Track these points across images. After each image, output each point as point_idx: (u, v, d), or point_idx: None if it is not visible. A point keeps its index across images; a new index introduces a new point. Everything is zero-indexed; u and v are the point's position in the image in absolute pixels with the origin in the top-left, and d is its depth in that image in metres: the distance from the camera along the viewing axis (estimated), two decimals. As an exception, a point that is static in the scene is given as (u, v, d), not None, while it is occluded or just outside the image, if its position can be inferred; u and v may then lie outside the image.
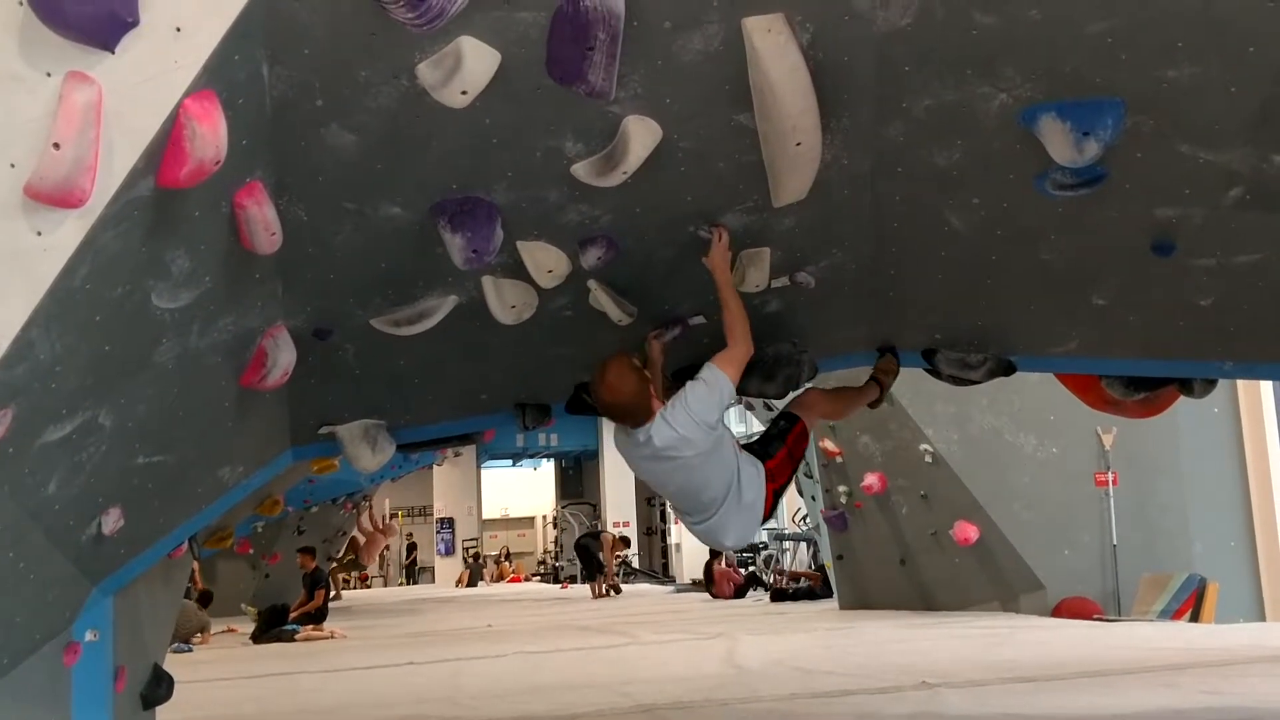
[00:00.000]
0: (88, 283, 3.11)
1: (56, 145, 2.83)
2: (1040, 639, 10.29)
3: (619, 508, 34.79)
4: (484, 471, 41.24)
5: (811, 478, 15.51)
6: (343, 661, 11.86)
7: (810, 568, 20.07)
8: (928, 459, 13.07)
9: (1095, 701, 6.73)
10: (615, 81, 3.61)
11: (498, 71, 3.52)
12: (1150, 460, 12.91)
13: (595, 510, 37.02)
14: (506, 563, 39.85)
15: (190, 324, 3.81)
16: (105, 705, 4.95)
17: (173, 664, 6.31)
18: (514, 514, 44.53)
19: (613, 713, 7.25)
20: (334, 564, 25.77)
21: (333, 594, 20.20)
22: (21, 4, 2.80)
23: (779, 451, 5.30)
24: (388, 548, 36.61)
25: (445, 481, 38.96)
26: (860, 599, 15.00)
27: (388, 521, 31.11)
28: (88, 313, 3.23)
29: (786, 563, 22.36)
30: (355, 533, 26.65)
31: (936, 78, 3.92)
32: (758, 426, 20.48)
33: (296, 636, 15.83)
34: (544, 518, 43.97)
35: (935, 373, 5.81)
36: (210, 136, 3.06)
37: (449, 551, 39.36)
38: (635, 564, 32.98)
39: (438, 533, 39.57)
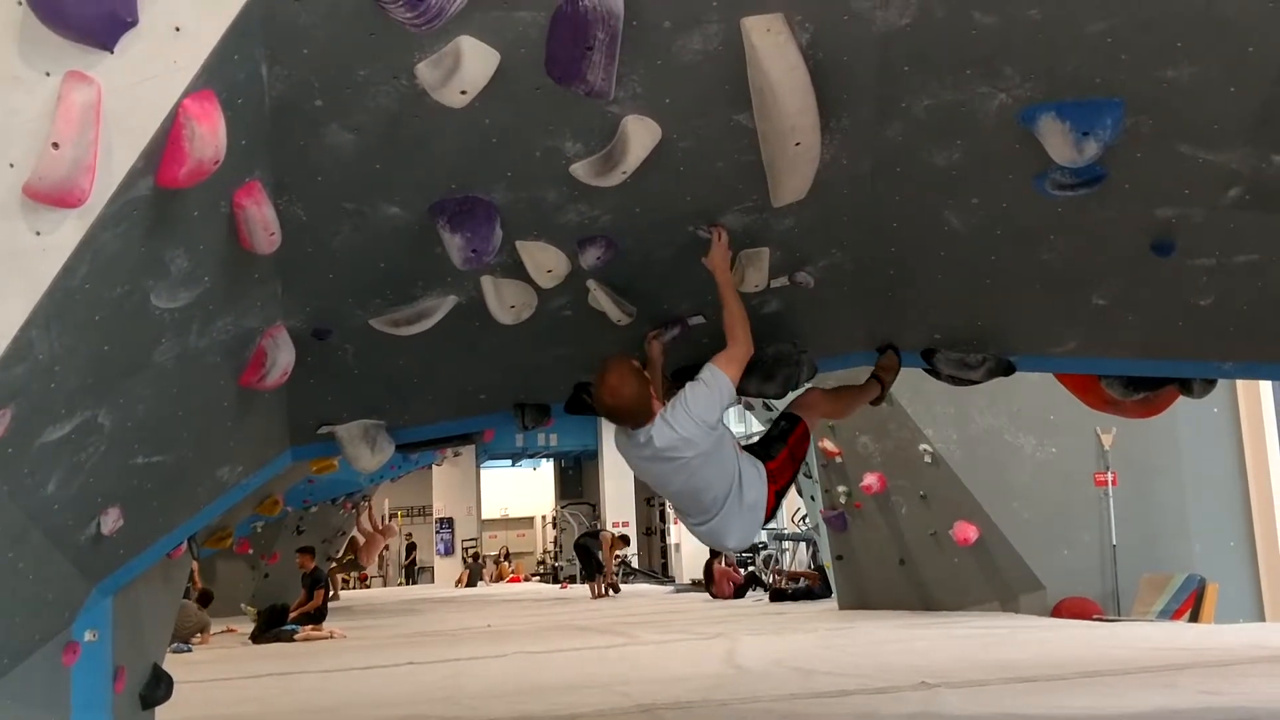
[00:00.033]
0: (87, 282, 3.11)
1: (55, 145, 2.83)
2: (1040, 639, 10.28)
3: (618, 508, 34.79)
4: (483, 471, 41.25)
5: (811, 478, 15.51)
6: (342, 661, 11.86)
7: (810, 568, 20.07)
8: (927, 459, 13.06)
9: (1095, 702, 6.73)
10: (614, 81, 3.61)
11: (497, 71, 3.52)
12: (1150, 460, 12.91)
13: (595, 510, 37.02)
14: (506, 563, 39.85)
15: (189, 324, 3.81)
16: (105, 705, 4.95)
17: (172, 664, 6.31)
18: (513, 514, 44.54)
19: (612, 713, 7.25)
20: (333, 564, 25.77)
21: (330, 594, 20.16)
22: (20, 4, 2.79)
23: (780, 453, 5.29)
24: (387, 548, 36.61)
25: (445, 481, 38.97)
26: (860, 599, 15.00)
27: (387, 522, 31.09)
28: (87, 312, 3.23)
29: (786, 563, 22.37)
30: (355, 533, 26.64)
31: (936, 77, 3.92)
32: (757, 426, 20.52)
33: (296, 636, 15.82)
34: (543, 518, 43.96)
35: (935, 373, 5.81)
36: (209, 136, 3.06)
37: (448, 551, 39.37)
38: (635, 564, 32.99)
39: (437, 533, 39.59)
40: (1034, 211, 4.55)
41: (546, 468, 43.93)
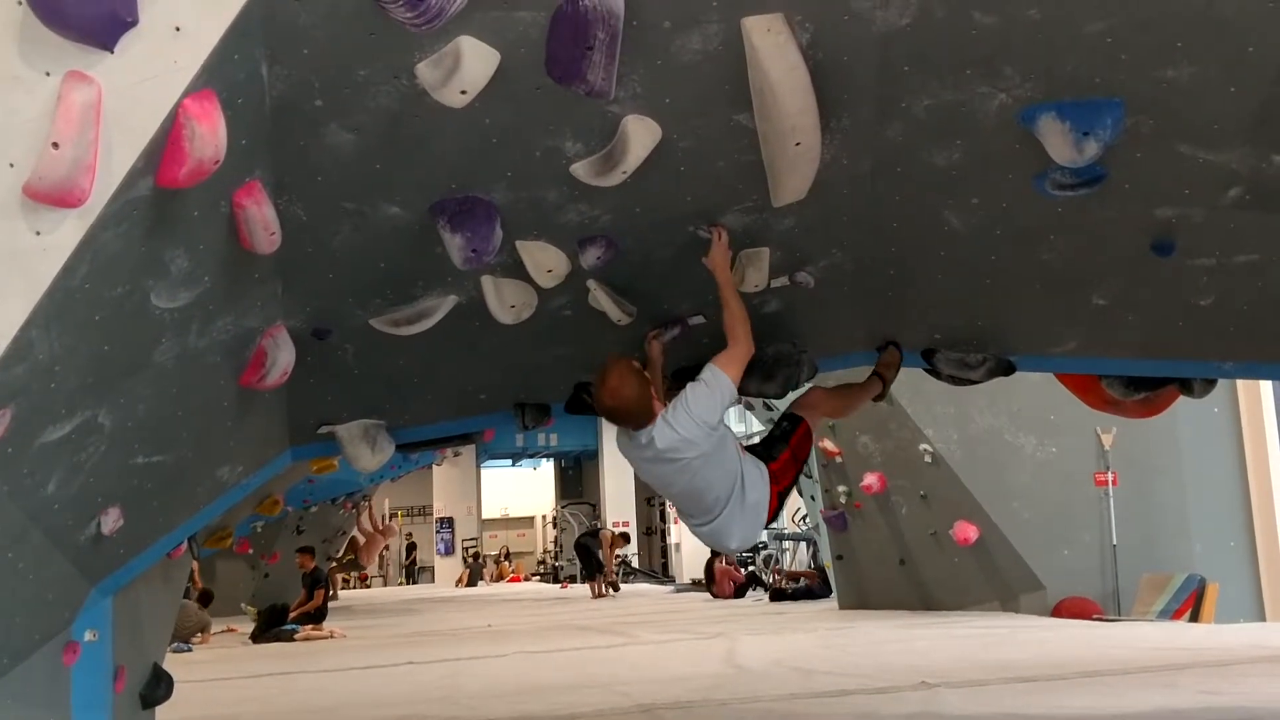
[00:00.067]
0: (87, 282, 3.11)
1: (56, 145, 2.83)
2: (1040, 639, 10.29)
3: (619, 507, 34.81)
4: (483, 471, 41.25)
5: (811, 478, 15.51)
6: (342, 661, 11.86)
7: (810, 568, 20.08)
8: (927, 459, 13.07)
9: (1094, 702, 6.73)
10: (614, 81, 3.61)
11: (497, 71, 3.52)
12: (1150, 460, 12.91)
13: (595, 510, 37.03)
14: (506, 562, 39.87)
15: (189, 324, 3.81)
16: (105, 705, 4.95)
17: (172, 664, 6.31)
18: (514, 514, 44.55)
19: (612, 713, 7.25)
20: (333, 564, 25.77)
21: (330, 594, 20.17)
22: (20, 3, 2.79)
23: (782, 453, 5.28)
24: (387, 548, 36.62)
25: (445, 481, 38.97)
26: (860, 599, 15.01)
27: (387, 522, 31.10)
28: (87, 312, 3.23)
29: (786, 563, 22.38)
30: (355, 533, 26.65)
31: (936, 77, 3.92)
32: (758, 426, 20.52)
33: (296, 636, 15.83)
34: (543, 517, 43.97)
35: (935, 373, 5.81)
36: (209, 136, 3.06)
37: (448, 551, 39.37)
38: (635, 564, 33.00)
39: (437, 532, 39.59)
40: (1034, 211, 4.55)
41: (547, 467, 43.94)
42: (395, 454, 5.60)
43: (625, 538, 28.46)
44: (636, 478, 31.74)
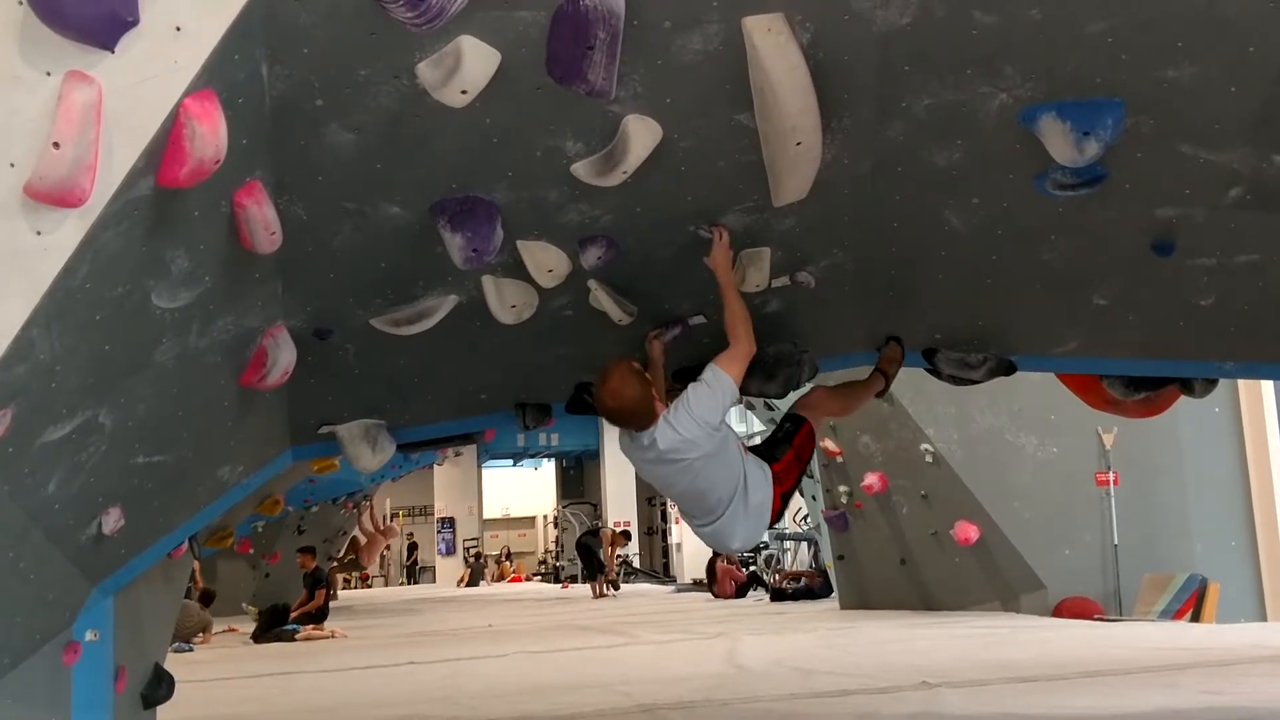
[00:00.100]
0: (88, 282, 3.11)
1: (56, 145, 2.82)
2: (1041, 639, 10.29)
3: (620, 507, 34.81)
4: (485, 471, 41.26)
5: (812, 477, 15.51)
6: (343, 661, 11.87)
7: (811, 568, 20.09)
8: (928, 459, 13.07)
9: (1096, 702, 6.73)
10: (615, 81, 3.61)
11: (497, 71, 3.52)
12: (1151, 460, 12.91)
13: (596, 510, 37.04)
14: (507, 562, 39.89)
15: (190, 323, 3.81)
16: (105, 705, 4.95)
17: (173, 663, 6.31)
18: (515, 514, 44.56)
19: (613, 713, 7.25)
20: (334, 563, 25.77)
21: (330, 594, 20.18)
22: (21, 3, 2.79)
23: (786, 454, 5.27)
24: (388, 548, 36.64)
25: (446, 481, 38.97)
26: (861, 599, 15.01)
27: (388, 522, 31.11)
28: (88, 312, 3.23)
29: (787, 563, 22.38)
30: (356, 533, 26.65)
31: (936, 77, 3.92)
32: (759, 426, 20.52)
33: (297, 636, 15.83)
34: (545, 517, 43.99)
35: (935, 372, 5.81)
36: (210, 136, 3.06)
37: (450, 551, 39.39)
38: (636, 564, 33.01)
39: (438, 532, 39.60)
40: (1035, 211, 4.55)
41: (548, 467, 43.94)
42: (396, 454, 5.60)
43: (626, 535, 28.43)
44: (638, 477, 31.81)
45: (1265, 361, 5.57)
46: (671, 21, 3.53)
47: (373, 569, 37.09)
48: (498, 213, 4.19)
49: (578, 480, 42.30)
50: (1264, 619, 12.79)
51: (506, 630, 15.63)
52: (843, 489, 14.58)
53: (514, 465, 43.20)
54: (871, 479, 13.80)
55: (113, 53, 2.88)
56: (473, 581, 36.35)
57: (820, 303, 5.28)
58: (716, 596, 20.81)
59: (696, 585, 24.83)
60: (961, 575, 13.32)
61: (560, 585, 33.00)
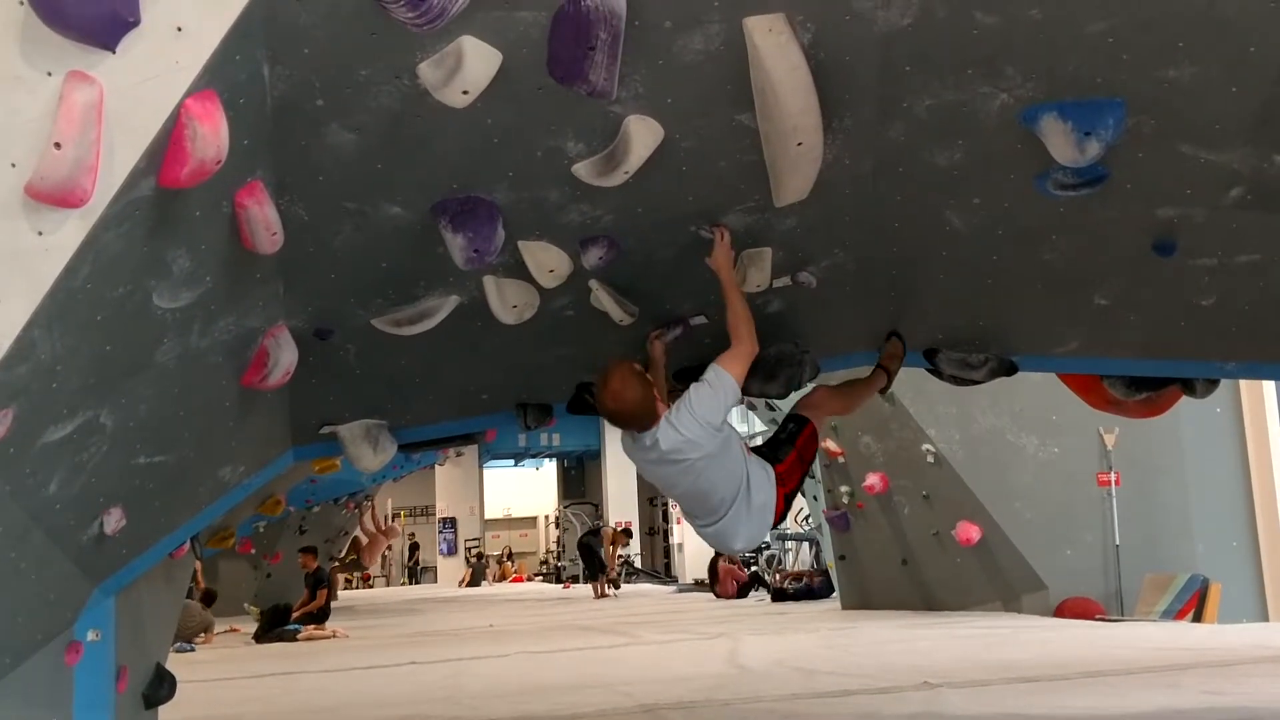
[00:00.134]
0: (89, 282, 3.11)
1: (57, 145, 2.82)
2: (1042, 639, 10.29)
3: (621, 507, 34.84)
4: (486, 471, 41.32)
5: (814, 478, 15.52)
6: (345, 661, 11.87)
7: (813, 568, 20.10)
8: (930, 459, 13.07)
9: (1097, 702, 6.73)
10: (616, 81, 3.61)
11: (499, 71, 3.52)
12: (1152, 460, 12.91)
13: (598, 510, 37.06)
14: (509, 563, 39.89)
15: (191, 324, 3.81)
16: (107, 705, 4.95)
17: (175, 664, 6.31)
18: (516, 514, 44.58)
19: (614, 713, 7.25)
20: (335, 564, 25.79)
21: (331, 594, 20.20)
22: (22, 4, 2.80)
23: (789, 455, 5.25)
24: (390, 548, 36.67)
25: (447, 481, 39.03)
26: (862, 599, 15.01)
27: (390, 522, 31.13)
28: (89, 313, 3.24)
29: (789, 563, 22.39)
30: (357, 533, 26.69)
31: (937, 77, 3.92)
32: (760, 426, 20.53)
33: (299, 636, 15.84)
34: (546, 517, 44.00)
35: (937, 373, 5.80)
36: (211, 136, 3.06)
37: (451, 551, 39.44)
38: (637, 564, 33.02)
39: (440, 533, 39.64)
40: (1036, 211, 4.55)
41: (549, 467, 43.96)
42: (397, 454, 5.60)
43: (627, 534, 28.40)
44: (639, 478, 31.86)
45: (1266, 361, 5.57)
46: (673, 22, 3.53)
47: (374, 569, 37.11)
48: (499, 213, 4.19)
49: (579, 480, 42.32)
50: (1266, 619, 12.80)
51: (508, 630, 15.64)
52: (844, 489, 14.58)
53: (515, 465, 43.23)
54: (873, 479, 13.80)
55: (114, 53, 2.88)
56: (474, 582, 36.37)
57: (822, 303, 5.28)
58: (718, 596, 20.81)
59: (698, 585, 24.83)
60: (963, 575, 13.32)
61: (562, 585, 33.01)
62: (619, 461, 32.44)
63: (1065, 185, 4.27)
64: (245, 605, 20.01)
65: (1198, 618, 11.84)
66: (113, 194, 2.96)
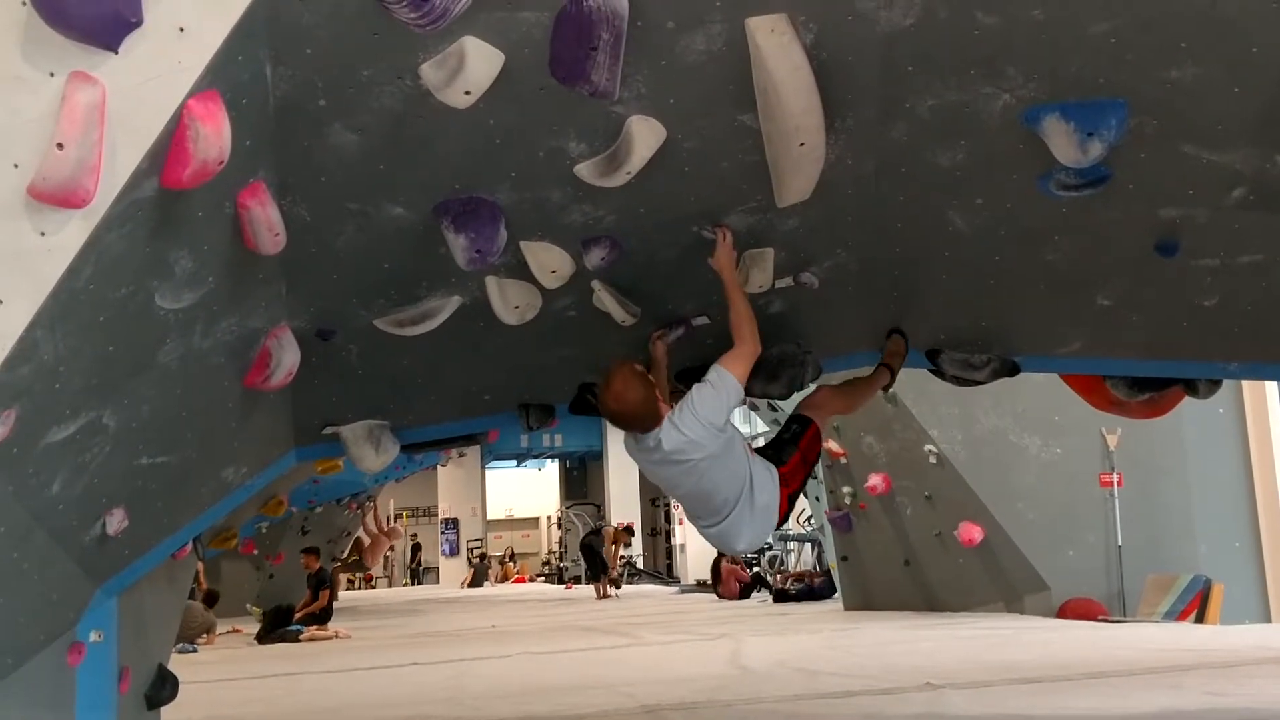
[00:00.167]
0: (91, 283, 3.12)
1: (60, 145, 2.83)
2: (1045, 640, 10.28)
3: (623, 508, 34.85)
4: (488, 472, 41.33)
5: (816, 478, 15.50)
6: (347, 662, 11.87)
7: (815, 569, 20.09)
8: (932, 460, 13.06)
9: (1100, 703, 6.72)
10: (619, 82, 3.61)
11: (501, 72, 3.52)
12: (1155, 461, 12.90)
13: (600, 510, 37.06)
14: (511, 563, 39.88)
15: (194, 324, 3.82)
16: (109, 706, 4.96)
17: (177, 664, 6.31)
18: (518, 514, 44.59)
19: (617, 714, 7.25)
20: (337, 564, 25.80)
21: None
22: (24, 4, 2.80)
23: (792, 456, 5.24)
24: (392, 549, 36.69)
25: (449, 482, 39.03)
26: (864, 600, 15.00)
27: (392, 523, 31.13)
28: (91, 313, 3.24)
29: (791, 564, 22.39)
30: (360, 533, 26.69)
31: (939, 78, 3.92)
32: (762, 427, 20.52)
33: (301, 637, 15.84)
34: (548, 518, 44.01)
35: (939, 373, 5.80)
36: (213, 137, 3.06)
37: (453, 552, 39.44)
38: (640, 565, 33.02)
39: (442, 533, 39.65)
40: (1038, 212, 4.55)
41: (551, 468, 43.97)
42: (400, 455, 5.60)
43: (629, 531, 28.37)
44: (641, 478, 31.88)
45: (1269, 362, 5.57)
46: (675, 22, 3.53)
47: (376, 570, 37.12)
48: (501, 213, 4.19)
49: (581, 481, 42.34)
50: (1268, 620, 12.79)
51: (510, 631, 15.63)
52: (846, 490, 14.57)
53: (517, 466, 43.24)
54: (875, 480, 13.79)
55: (116, 53, 2.89)
56: (476, 582, 36.36)
57: (824, 303, 5.28)
58: (720, 597, 20.80)
59: (700, 586, 24.83)
60: (965, 576, 13.31)
61: (564, 586, 33.00)
62: (621, 462, 32.46)
63: (1068, 186, 4.26)
64: (248, 606, 20.01)
65: (1200, 619, 11.83)
66: (115, 195, 2.96)
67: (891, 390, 5.97)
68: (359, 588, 37.76)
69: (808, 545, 21.85)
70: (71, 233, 2.94)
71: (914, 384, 10.85)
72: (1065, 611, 12.42)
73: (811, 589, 18.17)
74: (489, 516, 41.43)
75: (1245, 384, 12.72)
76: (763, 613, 16.72)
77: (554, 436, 35.33)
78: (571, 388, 5.57)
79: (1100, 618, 12.06)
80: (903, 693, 7.40)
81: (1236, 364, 5.53)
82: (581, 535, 29.45)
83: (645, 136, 3.90)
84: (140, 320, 3.53)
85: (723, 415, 4.80)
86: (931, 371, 5.83)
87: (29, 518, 3.64)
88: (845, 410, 6.05)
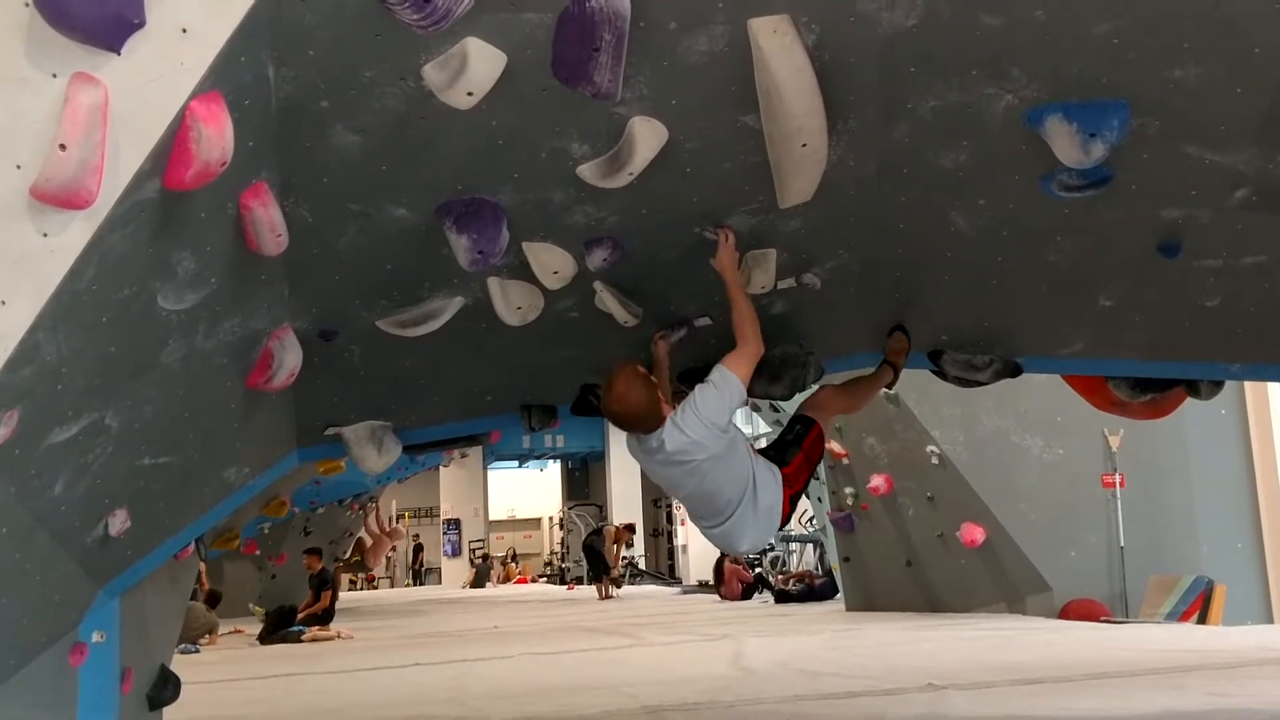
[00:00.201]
0: (94, 284, 3.12)
1: (62, 146, 2.83)
2: (1047, 641, 10.27)
3: (626, 509, 34.83)
4: (490, 473, 41.31)
5: (818, 479, 15.50)
6: (349, 663, 11.87)
7: (817, 569, 20.09)
8: (934, 461, 13.05)
9: (1102, 704, 6.72)
10: (621, 83, 3.61)
11: (503, 73, 3.52)
12: (1157, 462, 12.90)
13: (601, 511, 37.05)
14: (513, 564, 39.88)
15: (196, 325, 3.82)
16: (111, 706, 4.96)
17: (179, 665, 6.32)
18: (520, 515, 44.60)
19: (618, 714, 7.25)
20: (339, 565, 25.81)
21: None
22: (27, 5, 2.80)
23: (796, 457, 5.23)
24: (394, 549, 36.70)
25: (452, 483, 39.02)
26: (866, 601, 14.99)
27: (394, 524, 31.13)
28: (94, 314, 3.24)
29: (793, 565, 22.38)
30: (362, 534, 26.70)
31: (942, 79, 3.91)
32: (764, 428, 20.52)
33: (303, 637, 15.84)
34: (550, 519, 44.00)
35: (941, 374, 5.80)
36: (216, 138, 3.06)
37: (455, 553, 39.43)
38: (642, 565, 33.01)
39: (444, 534, 39.64)
40: (1040, 213, 4.55)
41: (553, 469, 43.98)
42: (402, 455, 5.60)
43: (631, 529, 28.31)
44: (644, 479, 31.86)
45: (1271, 363, 5.56)
46: (677, 23, 3.53)
47: (378, 571, 37.12)
48: (503, 214, 4.19)
49: (583, 482, 42.34)
50: (1270, 621, 12.78)
51: (512, 632, 15.63)
52: (848, 491, 14.57)
53: (519, 467, 43.25)
54: (877, 481, 13.78)
55: (119, 54, 2.89)
56: (478, 583, 36.35)
57: (826, 304, 5.28)
58: (722, 598, 20.79)
59: (702, 587, 24.82)
60: (967, 577, 13.30)
61: (566, 587, 33.00)
62: (623, 463, 32.46)
63: (1070, 187, 4.26)
64: (250, 606, 20.01)
65: (1202, 620, 11.82)
66: (118, 196, 2.96)
67: (893, 391, 5.96)
68: (361, 588, 37.77)
69: (810, 546, 21.84)
70: (74, 234, 2.94)
71: (916, 385, 10.84)
72: (1067, 612, 12.42)
73: (813, 589, 18.16)
74: (491, 517, 41.41)
75: (1247, 385, 12.72)
76: (764, 613, 16.71)
77: (556, 437, 35.34)
78: (573, 388, 5.57)
79: (1102, 619, 12.05)
80: (905, 694, 7.40)
81: (1239, 365, 5.53)
82: (583, 536, 29.44)
83: (647, 137, 3.90)
84: (143, 321, 3.53)
85: (725, 415, 4.80)
86: (933, 372, 5.83)
87: (31, 519, 3.65)
88: (848, 409, 6.04)
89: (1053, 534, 12.78)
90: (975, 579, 13.23)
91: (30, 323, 2.95)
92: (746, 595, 20.63)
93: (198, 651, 14.82)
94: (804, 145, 4.00)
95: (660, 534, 36.22)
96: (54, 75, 2.85)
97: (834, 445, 14.23)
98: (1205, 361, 5.51)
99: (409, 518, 41.02)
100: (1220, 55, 3.66)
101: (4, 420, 3.10)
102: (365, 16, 3.27)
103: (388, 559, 37.56)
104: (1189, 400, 6.02)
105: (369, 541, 26.24)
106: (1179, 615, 11.88)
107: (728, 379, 4.76)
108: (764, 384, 5.39)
